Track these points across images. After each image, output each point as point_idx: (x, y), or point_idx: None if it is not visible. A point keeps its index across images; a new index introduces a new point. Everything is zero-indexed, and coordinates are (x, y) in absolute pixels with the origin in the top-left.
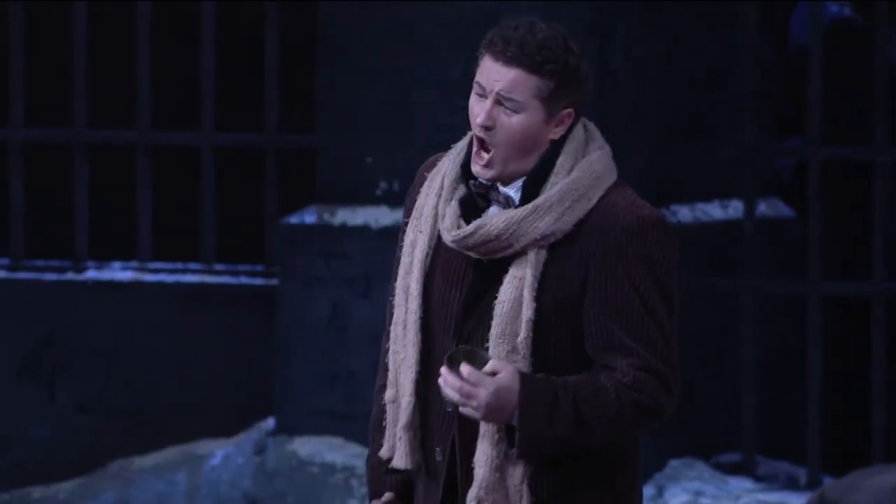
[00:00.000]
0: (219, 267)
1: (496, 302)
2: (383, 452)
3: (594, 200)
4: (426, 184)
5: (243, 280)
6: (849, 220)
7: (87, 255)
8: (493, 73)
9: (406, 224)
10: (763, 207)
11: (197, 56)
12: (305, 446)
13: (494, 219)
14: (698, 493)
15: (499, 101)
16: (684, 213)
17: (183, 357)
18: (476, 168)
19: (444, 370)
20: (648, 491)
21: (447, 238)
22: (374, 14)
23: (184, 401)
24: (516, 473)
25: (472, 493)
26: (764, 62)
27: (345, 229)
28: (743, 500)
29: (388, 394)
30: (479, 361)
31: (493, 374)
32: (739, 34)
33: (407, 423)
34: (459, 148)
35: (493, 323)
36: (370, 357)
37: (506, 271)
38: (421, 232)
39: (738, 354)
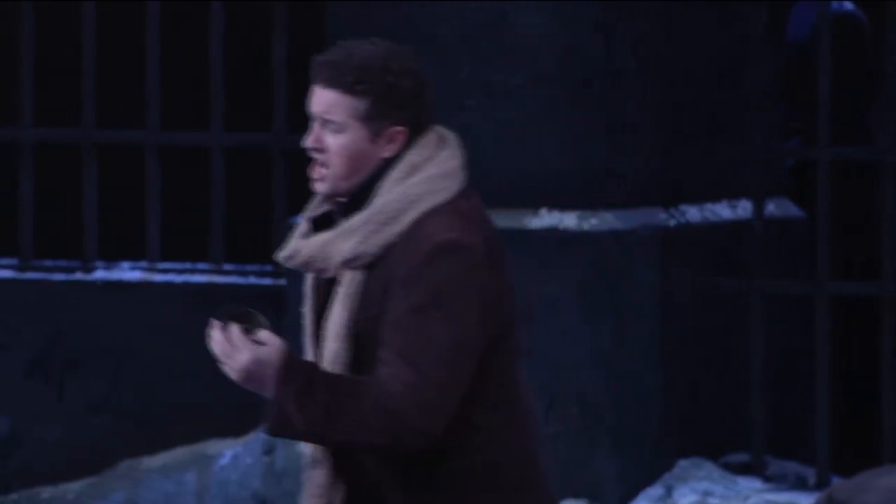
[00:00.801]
0: (227, 267)
1: (327, 322)
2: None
3: (405, 223)
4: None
5: (252, 280)
6: (848, 219)
7: (96, 255)
8: (314, 97)
9: None
10: (772, 207)
11: (206, 56)
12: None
13: (308, 242)
14: (707, 494)
15: (323, 124)
16: (693, 213)
17: (191, 357)
18: (313, 185)
19: (216, 323)
20: (657, 491)
21: (278, 258)
22: (379, 14)
23: (192, 401)
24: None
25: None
26: (772, 62)
27: None
28: (752, 500)
29: None
30: (255, 325)
31: (262, 343)
32: (748, 34)
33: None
34: None
35: (324, 342)
36: None
37: (334, 291)
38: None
39: (745, 354)
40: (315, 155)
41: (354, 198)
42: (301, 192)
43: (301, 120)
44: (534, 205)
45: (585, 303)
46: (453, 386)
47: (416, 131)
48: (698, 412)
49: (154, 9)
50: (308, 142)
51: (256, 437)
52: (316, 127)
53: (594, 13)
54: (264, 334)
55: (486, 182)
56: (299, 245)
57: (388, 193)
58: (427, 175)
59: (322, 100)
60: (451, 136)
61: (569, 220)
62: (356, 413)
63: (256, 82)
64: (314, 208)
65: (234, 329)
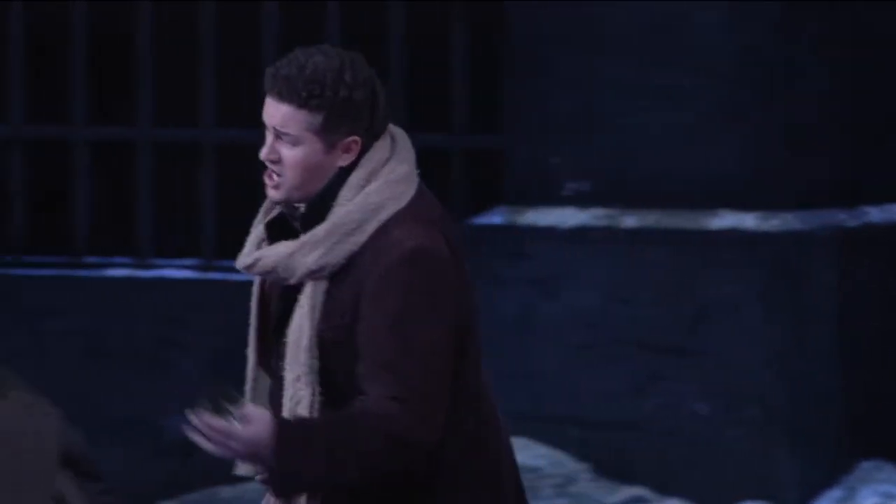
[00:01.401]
0: None
1: (288, 329)
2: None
3: (368, 232)
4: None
5: None
6: None
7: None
8: (269, 110)
9: None
10: None
11: (387, 57)
12: None
13: (269, 252)
14: (888, 496)
15: (278, 137)
16: (874, 213)
17: None
18: (267, 191)
19: (198, 422)
20: (838, 493)
21: (236, 264)
22: (560, 13)
23: None
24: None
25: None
26: None
27: (532, 230)
28: None
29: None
30: (232, 401)
31: (248, 420)
32: None
33: None
34: None
35: (287, 350)
36: (557, 358)
37: (296, 299)
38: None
39: None
40: (272, 167)
41: (313, 207)
42: (480, 193)
43: (480, 120)
44: (713, 206)
45: (764, 304)
46: (442, 391)
47: (370, 138)
48: (879, 414)
49: (333, 9)
50: (263, 154)
51: None
52: (270, 138)
53: (773, 13)
54: (248, 410)
55: (664, 183)
56: (261, 254)
57: (349, 203)
58: (384, 181)
59: (276, 113)
60: (400, 136)
61: (748, 221)
62: (359, 448)
63: (435, 83)
64: (266, 212)
65: (216, 422)
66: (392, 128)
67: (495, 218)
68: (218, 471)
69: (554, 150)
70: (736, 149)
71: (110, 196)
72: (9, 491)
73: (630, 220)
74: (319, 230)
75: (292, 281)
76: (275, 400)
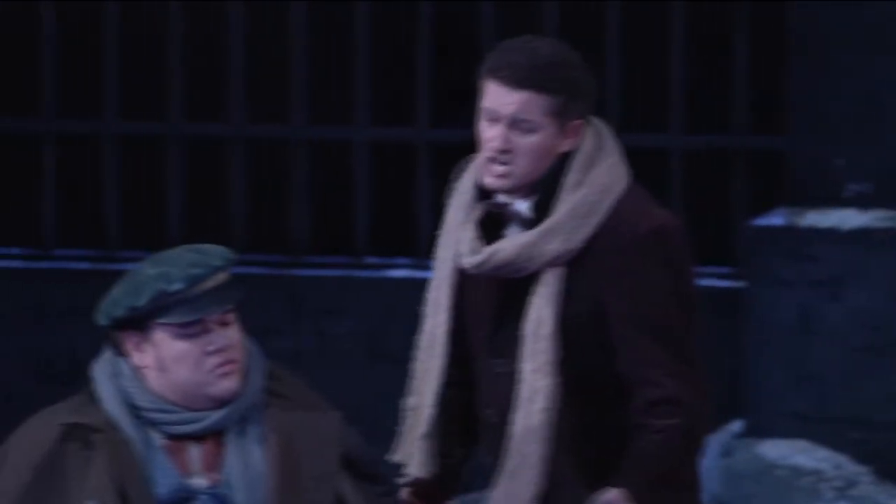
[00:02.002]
0: None
1: (523, 321)
2: (397, 458)
3: (603, 214)
4: (454, 195)
5: (710, 282)
6: None
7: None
8: (503, 98)
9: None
10: None
11: (668, 58)
12: (773, 449)
13: (506, 244)
14: None
15: (511, 126)
16: None
17: None
18: (489, 180)
19: None
20: None
21: (465, 265)
22: (843, 13)
23: None
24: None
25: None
26: None
27: (813, 231)
28: None
29: (411, 401)
30: None
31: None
32: None
33: (426, 433)
34: (473, 168)
35: (524, 342)
36: (840, 360)
37: (528, 290)
38: (447, 248)
39: None
40: (498, 156)
41: (546, 192)
42: (759, 194)
43: (761, 121)
44: None
45: None
46: (699, 366)
47: (588, 123)
48: None
49: (614, 9)
50: (495, 145)
51: (715, 440)
52: (502, 128)
53: None
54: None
55: None
56: (497, 248)
57: (581, 186)
58: (608, 164)
59: (512, 101)
60: (600, 124)
61: None
62: (670, 464)
63: (717, 83)
64: (464, 209)
65: None
66: (592, 118)
67: (776, 219)
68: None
69: (835, 151)
70: None
71: (390, 197)
72: (293, 491)
73: None
74: (559, 215)
75: (530, 271)
76: (489, 397)
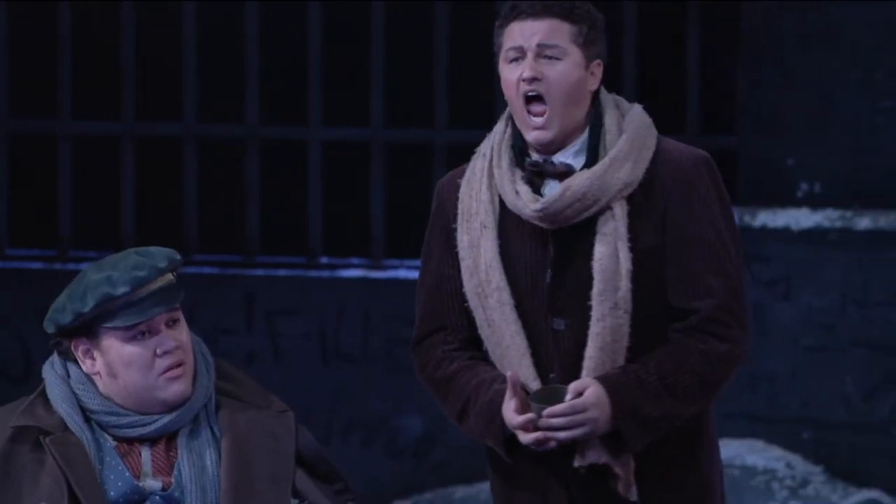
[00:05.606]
0: None
1: (593, 261)
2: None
3: (653, 147)
4: (463, 189)
5: None
6: None
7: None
8: (527, 30)
9: (433, 238)
10: None
11: (620, 57)
12: (726, 449)
13: (577, 178)
14: None
15: (539, 54)
16: None
17: None
18: (533, 134)
19: (539, 418)
20: None
21: (531, 211)
22: (795, 15)
23: None
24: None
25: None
26: None
27: (765, 231)
28: None
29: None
30: (557, 393)
31: (579, 393)
32: None
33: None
34: (488, 155)
35: (595, 281)
36: (791, 359)
37: (591, 232)
38: (486, 227)
39: None
40: (531, 87)
41: (594, 137)
42: None
43: (713, 121)
44: None
45: None
46: (744, 291)
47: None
48: None
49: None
50: (526, 73)
51: None
52: (530, 59)
53: None
54: (575, 385)
55: None
56: (566, 184)
57: (627, 121)
58: (632, 105)
59: (539, 28)
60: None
61: None
62: (692, 376)
63: (669, 82)
64: (507, 173)
65: (558, 408)
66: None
67: None
68: (451, 471)
69: (787, 152)
70: None
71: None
72: (247, 492)
73: (864, 222)
74: (622, 145)
75: (598, 206)
76: (547, 359)
